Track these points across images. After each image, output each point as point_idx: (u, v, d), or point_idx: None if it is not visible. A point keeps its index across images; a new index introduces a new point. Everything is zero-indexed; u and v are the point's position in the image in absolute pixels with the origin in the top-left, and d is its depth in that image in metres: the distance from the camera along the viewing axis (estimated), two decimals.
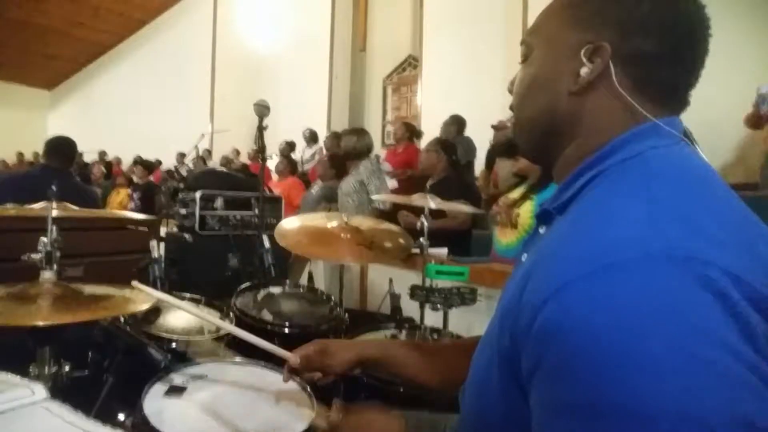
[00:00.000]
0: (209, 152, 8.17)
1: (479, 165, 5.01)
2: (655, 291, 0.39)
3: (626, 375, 0.38)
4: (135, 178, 7.20)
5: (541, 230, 0.63)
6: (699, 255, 0.40)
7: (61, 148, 2.70)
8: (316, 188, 4.03)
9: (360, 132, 3.42)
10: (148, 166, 7.48)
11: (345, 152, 3.38)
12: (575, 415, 0.40)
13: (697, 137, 0.57)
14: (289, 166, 5.00)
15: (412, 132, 4.97)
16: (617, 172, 0.52)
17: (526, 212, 1.92)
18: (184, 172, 4.77)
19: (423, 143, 5.64)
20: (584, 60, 0.56)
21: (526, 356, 0.46)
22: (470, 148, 4.61)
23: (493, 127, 4.36)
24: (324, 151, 6.06)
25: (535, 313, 0.44)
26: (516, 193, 2.07)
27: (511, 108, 0.69)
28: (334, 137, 5.84)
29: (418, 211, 1.71)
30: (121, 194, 6.40)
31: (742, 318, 0.39)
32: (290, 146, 6.85)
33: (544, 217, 0.62)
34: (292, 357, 0.88)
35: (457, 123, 4.77)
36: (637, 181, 0.49)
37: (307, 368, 0.88)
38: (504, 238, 2.03)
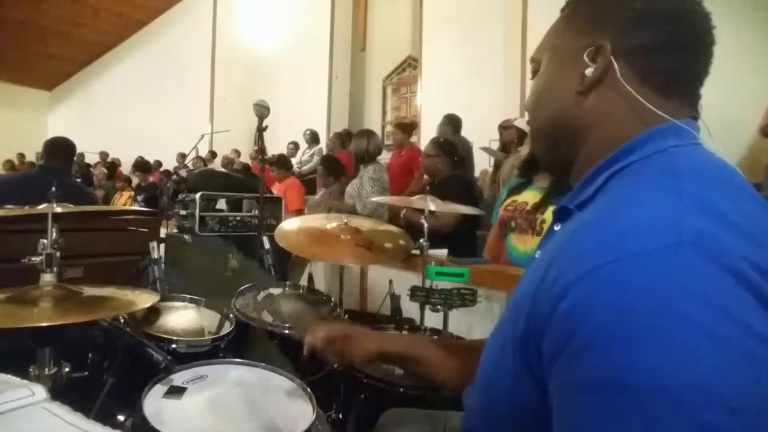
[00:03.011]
0: (213, 153, 8.17)
1: (480, 165, 5.03)
2: (683, 277, 0.40)
3: (655, 354, 0.38)
4: (135, 179, 7.22)
5: (556, 227, 0.64)
6: (725, 245, 0.41)
7: (60, 149, 2.70)
8: (320, 195, 4.03)
9: (370, 133, 3.46)
10: (147, 168, 7.50)
11: (357, 155, 3.41)
12: (603, 391, 0.40)
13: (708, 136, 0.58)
14: (283, 167, 4.99)
15: (408, 131, 4.96)
16: (641, 166, 0.54)
17: (551, 218, 1.84)
18: (183, 173, 4.77)
19: (422, 143, 5.66)
20: (587, 61, 0.58)
21: (548, 339, 0.46)
22: (466, 148, 4.61)
23: (500, 126, 4.35)
24: (324, 152, 6.05)
25: (561, 296, 0.45)
26: (527, 197, 1.99)
27: (529, 123, 0.71)
28: (338, 138, 5.84)
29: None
30: (124, 196, 6.41)
31: None
32: (296, 147, 6.83)
33: (561, 214, 0.63)
34: (314, 336, 0.89)
35: (452, 123, 4.73)
36: (663, 173, 0.51)
37: (327, 349, 0.89)
38: (522, 245, 1.93)
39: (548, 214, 1.85)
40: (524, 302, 0.52)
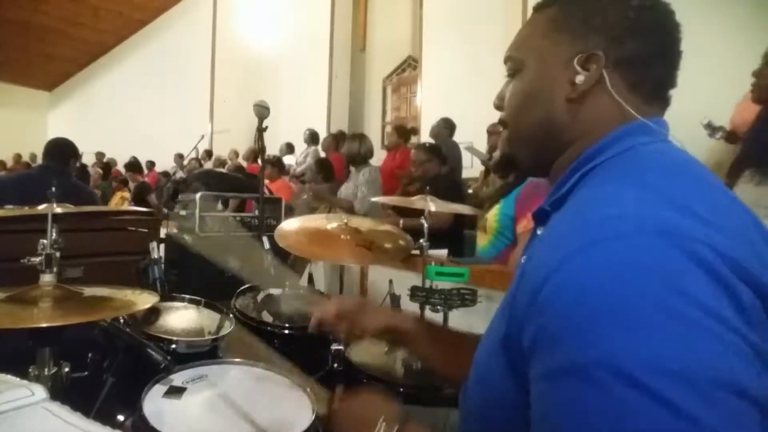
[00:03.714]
0: (208, 153, 8.18)
1: (480, 166, 5.02)
2: (644, 259, 0.41)
3: (614, 332, 0.39)
4: (129, 181, 7.26)
5: (539, 231, 0.64)
6: (687, 232, 0.42)
7: (60, 149, 2.71)
8: (307, 192, 4.10)
9: (362, 137, 3.53)
10: (138, 169, 7.52)
11: (348, 157, 3.46)
12: (568, 375, 0.41)
13: (684, 137, 0.60)
14: (276, 167, 5.06)
15: (405, 136, 5.02)
16: (609, 164, 0.55)
17: (492, 216, 1.98)
18: (183, 174, 4.80)
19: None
20: (578, 68, 0.58)
21: (526, 335, 0.47)
22: (456, 152, 4.65)
23: (488, 130, 4.38)
24: (320, 153, 6.07)
25: (537, 291, 0.46)
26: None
27: (502, 123, 0.69)
28: (333, 139, 5.88)
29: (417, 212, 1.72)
30: (117, 197, 6.43)
31: (729, 289, 0.40)
32: (290, 147, 6.85)
33: (540, 217, 0.63)
34: (329, 305, 0.88)
35: (449, 126, 4.82)
36: (628, 170, 0.52)
37: (339, 319, 0.88)
38: (481, 241, 2.09)
39: (491, 213, 2.00)
40: (506, 306, 0.54)
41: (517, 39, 0.67)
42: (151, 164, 8.56)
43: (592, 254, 0.43)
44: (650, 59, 0.57)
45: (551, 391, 0.43)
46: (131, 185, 7.07)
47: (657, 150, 0.55)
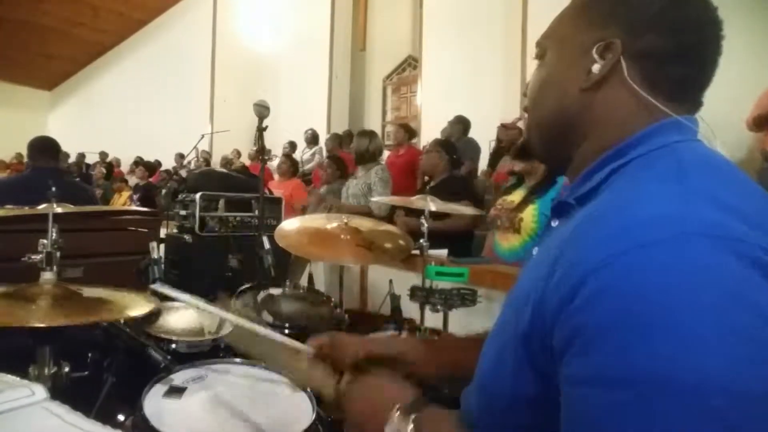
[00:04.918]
0: (208, 153, 8.19)
1: (481, 166, 5.03)
2: (696, 264, 0.40)
3: (673, 343, 0.38)
4: (134, 179, 7.23)
5: (554, 223, 0.63)
6: (735, 233, 0.41)
7: (45, 147, 2.70)
8: (323, 192, 4.06)
9: (371, 134, 3.49)
10: (149, 167, 7.51)
11: (358, 154, 3.42)
12: (615, 384, 0.40)
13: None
14: (292, 166, 5.01)
15: (410, 133, 5.04)
16: (644, 161, 0.53)
17: (529, 217, 1.90)
18: (183, 173, 4.78)
19: (422, 142, 5.68)
20: (596, 57, 0.57)
21: (558, 332, 0.46)
22: (475, 149, 4.64)
23: (503, 125, 4.36)
24: (324, 152, 6.07)
25: (572, 290, 0.44)
26: (516, 196, 2.06)
27: (526, 110, 0.70)
28: (335, 138, 5.88)
29: (418, 213, 1.71)
30: (123, 197, 6.41)
31: None
32: (292, 146, 6.85)
33: (559, 209, 0.62)
34: (307, 348, 0.87)
35: (462, 123, 4.82)
36: (667, 167, 0.50)
37: (320, 358, 0.87)
38: (505, 242, 2.00)
39: (526, 213, 1.92)
40: (527, 299, 0.51)
41: (548, 26, 0.66)
42: (158, 163, 8.55)
43: (641, 258, 0.41)
44: (670, 57, 0.55)
45: (594, 393, 0.41)
46: (132, 184, 7.07)
47: (692, 149, 0.53)
